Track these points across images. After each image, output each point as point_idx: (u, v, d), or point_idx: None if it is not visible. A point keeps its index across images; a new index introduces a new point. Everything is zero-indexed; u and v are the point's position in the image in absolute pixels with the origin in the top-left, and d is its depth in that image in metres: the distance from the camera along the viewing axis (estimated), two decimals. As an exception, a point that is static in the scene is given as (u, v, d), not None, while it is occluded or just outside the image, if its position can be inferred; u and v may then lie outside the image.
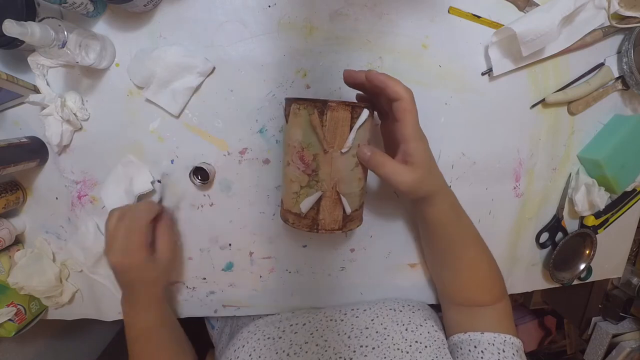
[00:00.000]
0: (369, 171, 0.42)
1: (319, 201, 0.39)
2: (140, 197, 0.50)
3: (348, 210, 0.40)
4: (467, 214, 0.48)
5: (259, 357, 0.46)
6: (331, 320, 0.51)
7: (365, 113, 0.38)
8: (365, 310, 0.52)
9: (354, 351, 0.45)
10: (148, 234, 0.44)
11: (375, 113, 0.44)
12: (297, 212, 0.40)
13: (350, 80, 0.41)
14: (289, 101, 0.39)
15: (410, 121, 0.38)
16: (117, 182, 0.49)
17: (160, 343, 0.49)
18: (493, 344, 0.43)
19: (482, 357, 0.42)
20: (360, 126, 0.38)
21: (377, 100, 0.41)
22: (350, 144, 0.38)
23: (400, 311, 0.51)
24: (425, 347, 0.45)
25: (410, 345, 0.45)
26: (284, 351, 0.46)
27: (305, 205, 0.39)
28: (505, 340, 0.43)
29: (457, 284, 0.49)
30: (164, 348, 0.50)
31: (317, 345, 0.47)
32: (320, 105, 0.37)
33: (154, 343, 0.49)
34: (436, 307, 0.57)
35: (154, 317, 0.48)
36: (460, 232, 0.46)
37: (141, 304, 0.47)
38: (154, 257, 0.45)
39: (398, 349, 0.45)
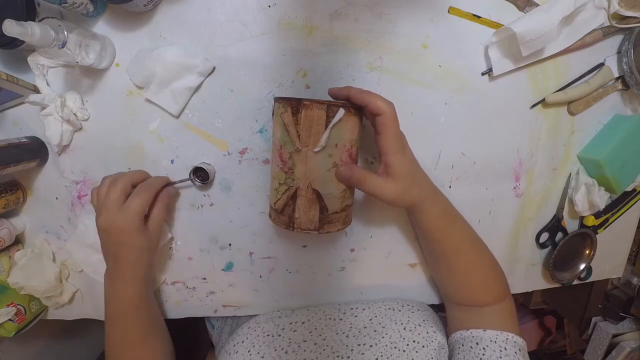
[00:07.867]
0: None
1: (294, 200, 0.39)
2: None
3: (326, 211, 0.40)
4: (464, 216, 0.48)
5: (258, 352, 0.46)
6: (330, 319, 0.51)
7: (340, 112, 0.37)
8: (364, 309, 0.52)
9: (352, 350, 0.45)
10: (149, 203, 0.44)
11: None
12: (276, 209, 0.40)
13: (336, 97, 0.41)
14: (274, 100, 0.40)
15: (390, 134, 0.38)
16: None
17: (138, 323, 0.47)
18: (495, 342, 0.43)
19: (483, 354, 0.42)
20: (334, 125, 0.37)
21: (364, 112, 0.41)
22: (323, 143, 0.37)
23: (399, 310, 0.51)
24: (423, 347, 0.45)
25: (408, 344, 0.45)
26: (282, 348, 0.47)
27: (280, 202, 0.39)
28: (507, 339, 0.43)
29: (455, 286, 0.49)
30: (141, 330, 0.47)
31: (315, 344, 0.47)
32: (295, 104, 0.36)
33: (130, 323, 0.46)
34: (436, 307, 0.57)
35: (134, 294, 0.45)
36: (453, 237, 0.46)
37: (123, 277, 0.45)
38: (146, 226, 0.45)
39: (395, 348, 0.45)
